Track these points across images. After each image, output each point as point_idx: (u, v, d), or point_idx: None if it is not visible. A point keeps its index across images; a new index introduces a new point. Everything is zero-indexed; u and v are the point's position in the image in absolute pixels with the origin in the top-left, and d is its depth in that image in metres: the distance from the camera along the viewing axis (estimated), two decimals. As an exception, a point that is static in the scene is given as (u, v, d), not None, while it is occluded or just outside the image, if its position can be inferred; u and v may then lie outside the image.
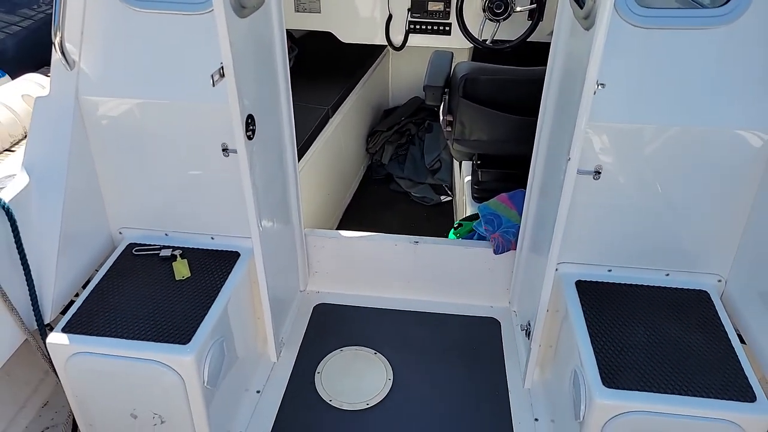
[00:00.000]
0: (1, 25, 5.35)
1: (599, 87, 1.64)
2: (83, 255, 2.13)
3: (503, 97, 2.55)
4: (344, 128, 3.85)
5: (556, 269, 2.06)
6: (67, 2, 1.87)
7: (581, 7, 1.76)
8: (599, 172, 1.89)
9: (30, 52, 4.86)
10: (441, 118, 2.85)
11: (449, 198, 4.17)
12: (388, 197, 4.28)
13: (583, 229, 2.08)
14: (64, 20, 1.87)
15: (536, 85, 2.21)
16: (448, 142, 2.87)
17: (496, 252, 2.59)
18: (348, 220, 3.99)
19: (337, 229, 3.82)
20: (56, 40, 1.90)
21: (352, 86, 3.92)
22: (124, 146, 2.08)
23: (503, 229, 2.64)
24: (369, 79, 4.23)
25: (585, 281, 2.12)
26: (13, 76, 4.42)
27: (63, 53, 1.91)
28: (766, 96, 1.82)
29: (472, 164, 3.00)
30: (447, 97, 2.66)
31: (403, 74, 4.72)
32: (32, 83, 4.18)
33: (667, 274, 2.13)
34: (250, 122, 1.86)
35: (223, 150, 1.94)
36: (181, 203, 2.19)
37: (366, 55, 4.19)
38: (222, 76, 1.70)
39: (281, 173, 2.34)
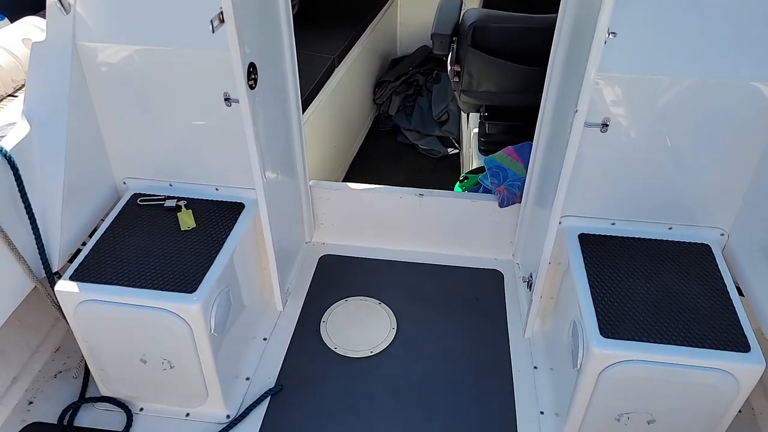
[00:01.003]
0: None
1: (610, 36, 1.59)
2: (88, 204, 2.14)
3: (513, 46, 2.48)
4: (350, 78, 3.77)
5: (560, 222, 2.06)
6: None
7: None
8: (607, 125, 1.85)
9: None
10: (449, 68, 2.78)
11: (456, 150, 4.13)
12: (395, 149, 4.25)
13: (588, 183, 2.05)
14: None
15: (548, 33, 2.14)
16: (456, 93, 2.81)
17: (501, 205, 2.58)
18: (354, 172, 3.97)
19: (344, 181, 3.81)
20: None
21: (359, 34, 3.82)
22: (124, 94, 2.05)
23: (509, 182, 2.63)
24: (376, 26, 4.11)
25: (588, 234, 2.11)
26: (13, 20, 4.34)
27: None
28: None
29: (480, 116, 2.95)
30: (455, 45, 2.59)
31: (412, 22, 4.58)
32: (32, 26, 4.10)
33: (670, 228, 2.12)
34: (251, 71, 1.82)
35: (225, 99, 1.91)
36: (184, 153, 2.18)
37: (373, 1, 4.06)
38: (222, 21, 1.65)
39: (285, 124, 2.31)
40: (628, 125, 1.93)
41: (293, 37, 2.17)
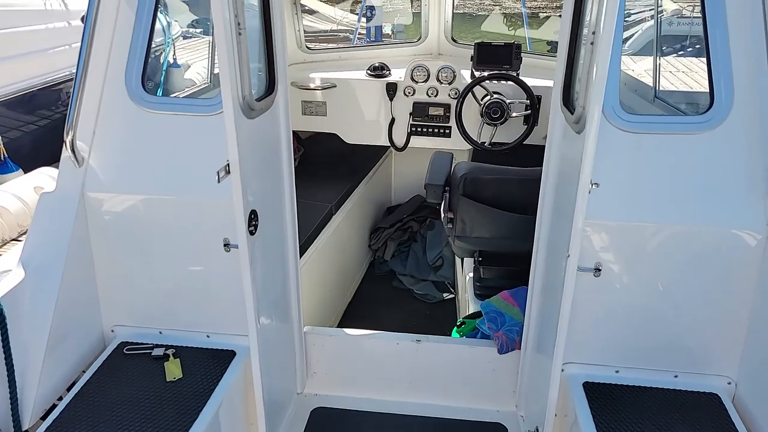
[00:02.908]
0: (18, 124, 5.63)
1: (593, 186, 1.68)
2: (72, 355, 2.07)
3: (502, 195, 2.60)
4: (347, 225, 3.88)
5: (562, 370, 1.98)
6: (82, 104, 1.97)
7: (572, 113, 1.84)
8: (599, 269, 1.88)
9: (45, 148, 5.08)
10: (442, 215, 2.88)
11: (452, 295, 4.11)
12: (390, 294, 4.22)
13: (587, 328, 2.02)
14: (77, 120, 1.96)
15: (534, 184, 2.26)
16: (450, 239, 2.88)
17: (500, 351, 2.50)
18: (349, 318, 3.90)
19: (339, 326, 3.74)
20: (68, 139, 1.97)
21: (356, 185, 4.01)
22: (125, 242, 2.09)
23: (507, 328, 2.57)
24: (372, 177, 4.33)
25: (593, 383, 2.03)
26: (28, 170, 4.58)
27: (73, 151, 1.98)
28: (754, 197, 1.85)
29: (474, 261, 2.99)
30: (448, 195, 2.71)
31: (405, 173, 4.84)
32: (45, 176, 4.31)
33: (676, 376, 2.05)
34: (252, 218, 1.87)
35: (225, 245, 1.94)
36: (177, 299, 2.16)
37: (369, 155, 4.33)
38: (227, 172, 1.74)
39: (282, 270, 2.33)
40: (620, 270, 1.95)
41: (294, 187, 2.27)
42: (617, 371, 2.05)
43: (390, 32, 9.82)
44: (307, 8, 11.12)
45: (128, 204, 2.04)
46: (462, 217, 2.63)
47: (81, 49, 1.92)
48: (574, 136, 1.80)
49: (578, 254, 1.74)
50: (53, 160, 3.98)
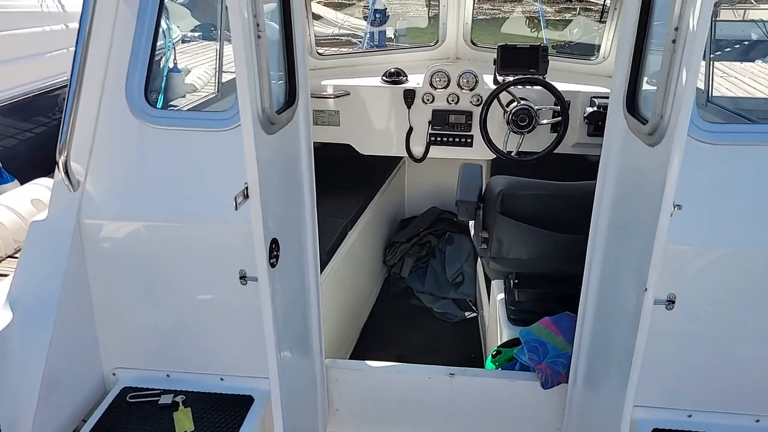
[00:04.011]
0: (14, 132, 5.40)
1: (676, 209, 1.44)
2: (68, 403, 1.82)
3: (544, 212, 2.36)
4: (362, 242, 3.65)
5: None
6: (77, 120, 1.72)
7: (641, 122, 1.60)
8: (672, 302, 1.65)
9: (42, 157, 4.84)
10: (472, 232, 2.65)
11: (474, 314, 3.88)
12: (408, 312, 3.99)
13: (657, 367, 1.79)
14: (71, 138, 1.71)
15: (579, 200, 2.04)
16: (482, 260, 2.64)
17: (544, 386, 2.26)
18: (367, 340, 3.67)
19: (355, 348, 3.50)
20: (60, 160, 1.72)
21: (371, 198, 3.78)
22: (127, 274, 1.84)
23: (551, 359, 2.34)
24: (386, 189, 4.11)
25: (662, 430, 1.79)
26: (24, 181, 4.34)
27: (67, 173, 1.73)
28: None
29: (505, 282, 2.76)
30: (481, 212, 2.47)
31: (419, 183, 4.62)
32: (42, 188, 4.06)
33: (758, 420, 1.82)
34: (273, 247, 1.64)
35: (241, 277, 1.70)
36: (187, 338, 1.91)
37: (383, 164, 4.10)
38: (246, 197, 1.51)
39: (303, 300, 2.09)
40: (696, 302, 1.72)
41: (315, 208, 2.03)
42: (690, 415, 1.82)
43: (392, 35, 9.65)
44: (314, 13, 10.93)
45: (130, 232, 1.80)
46: (499, 236, 2.39)
47: (75, 55, 1.67)
48: (644, 149, 1.57)
49: (655, 286, 1.51)
50: (52, 170, 3.73)
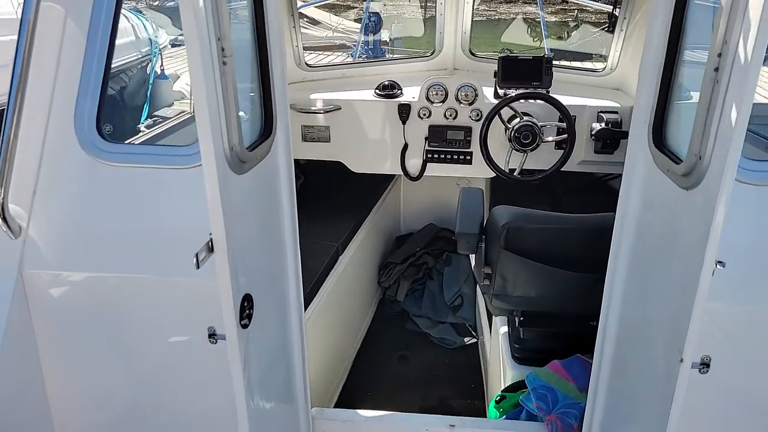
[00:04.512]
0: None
1: (718, 266, 1.23)
2: None
3: (552, 248, 2.14)
4: (354, 264, 3.42)
5: None
6: (15, 156, 1.46)
7: (674, 161, 1.38)
8: (707, 365, 1.43)
9: None
10: (473, 264, 2.42)
11: (474, 340, 3.66)
12: (404, 339, 3.76)
13: None
14: (9, 178, 1.46)
15: (592, 235, 1.83)
16: (485, 297, 2.42)
17: (554, 440, 2.04)
18: (360, 371, 3.43)
19: (347, 382, 3.27)
20: None
21: (364, 217, 3.55)
22: (79, 333, 1.61)
23: (561, 409, 2.12)
24: (380, 206, 3.88)
25: None
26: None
27: (5, 219, 1.48)
28: None
29: (509, 319, 2.53)
30: (483, 245, 2.24)
31: (415, 199, 4.41)
32: None
33: None
34: (246, 305, 1.41)
35: (210, 335, 1.47)
36: (150, 404, 1.68)
37: (377, 180, 3.87)
38: (211, 250, 1.28)
39: (284, 350, 1.86)
40: (734, 364, 1.50)
41: (299, 250, 1.80)
42: None
43: (387, 40, 9.40)
44: (308, 18, 10.66)
45: (81, 284, 1.56)
46: (503, 273, 2.17)
47: (13, 77, 1.41)
48: (675, 190, 1.36)
49: (692, 352, 1.29)
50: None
